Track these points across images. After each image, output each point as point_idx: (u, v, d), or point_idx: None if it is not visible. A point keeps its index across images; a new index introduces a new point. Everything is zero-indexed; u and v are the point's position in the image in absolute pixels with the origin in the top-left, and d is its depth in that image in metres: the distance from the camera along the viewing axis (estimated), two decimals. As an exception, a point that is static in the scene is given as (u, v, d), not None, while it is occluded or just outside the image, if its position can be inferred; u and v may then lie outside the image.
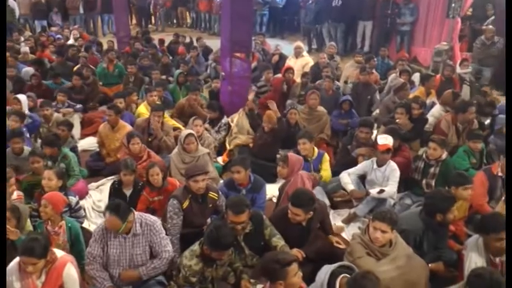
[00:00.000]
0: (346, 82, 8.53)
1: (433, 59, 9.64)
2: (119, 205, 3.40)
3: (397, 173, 4.78)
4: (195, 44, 11.78)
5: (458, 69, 8.28)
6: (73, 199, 4.34)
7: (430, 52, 9.97)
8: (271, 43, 11.68)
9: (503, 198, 4.21)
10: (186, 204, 4.06)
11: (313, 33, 12.89)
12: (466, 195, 4.18)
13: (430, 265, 3.64)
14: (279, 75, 8.27)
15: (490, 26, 9.19)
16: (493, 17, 9.86)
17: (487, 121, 7.02)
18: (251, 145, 6.25)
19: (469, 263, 3.39)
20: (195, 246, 3.44)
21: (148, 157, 5.23)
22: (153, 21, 17.74)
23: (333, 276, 2.96)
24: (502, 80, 8.54)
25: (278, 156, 5.77)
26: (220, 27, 7.76)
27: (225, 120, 6.70)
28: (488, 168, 4.73)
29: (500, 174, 4.59)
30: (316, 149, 5.25)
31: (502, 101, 7.27)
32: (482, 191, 4.54)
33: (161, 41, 12.24)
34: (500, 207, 4.06)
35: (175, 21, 17.73)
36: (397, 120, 5.92)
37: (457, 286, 3.01)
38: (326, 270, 3.01)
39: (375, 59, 9.00)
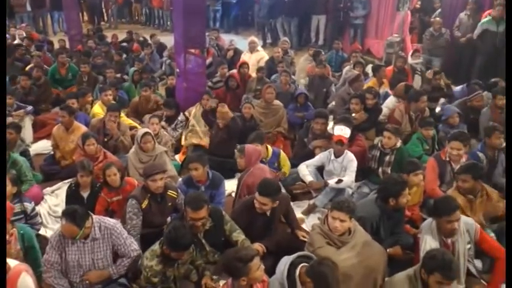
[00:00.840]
0: (303, 78, 8.61)
1: (385, 50, 9.92)
2: (75, 211, 3.29)
3: (354, 163, 4.88)
4: (149, 41, 11.59)
5: (410, 60, 8.54)
6: (28, 205, 4.18)
7: (383, 44, 10.24)
8: (226, 38, 11.65)
9: (454, 183, 4.37)
10: (145, 204, 4.01)
11: (268, 27, 12.95)
12: (418, 181, 4.34)
13: (388, 250, 3.75)
14: (234, 71, 8.27)
15: (438, 18, 9.53)
16: (439, 10, 10.20)
17: (438, 108, 7.29)
18: (205, 145, 6.21)
19: (424, 245, 3.52)
20: (155, 246, 3.40)
21: (104, 158, 5.11)
22: (105, 18, 17.32)
23: (292, 266, 3.01)
24: (450, 68, 8.92)
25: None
26: (173, 24, 7.65)
27: (181, 117, 6.63)
28: (438, 154, 4.92)
29: (448, 159, 4.78)
30: (270, 148, 5.25)
31: (454, 88, 7.53)
32: (433, 176, 4.72)
33: (115, 38, 11.93)
34: (451, 192, 4.22)
35: (128, 18, 17.39)
36: (352, 111, 6.03)
37: (414, 268, 3.10)
38: (285, 261, 3.05)
39: (323, 53, 9.10)
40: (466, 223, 3.63)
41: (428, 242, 3.54)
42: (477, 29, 8.57)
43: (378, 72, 7.62)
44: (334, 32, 11.46)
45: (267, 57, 9.32)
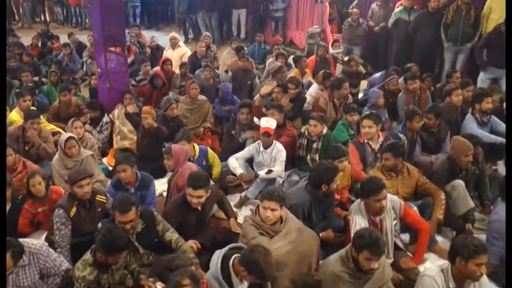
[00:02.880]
0: (226, 71, 8.62)
1: (307, 41, 10.16)
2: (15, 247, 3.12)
3: (283, 152, 4.97)
4: (67, 40, 11.05)
5: (331, 50, 8.82)
6: None
7: (304, 35, 10.49)
8: (147, 35, 11.40)
9: (377, 163, 4.59)
10: (73, 212, 3.86)
11: (189, 23, 12.80)
12: (342, 167, 4.49)
13: (320, 234, 3.86)
14: (158, 68, 8.13)
15: (355, 9, 9.88)
16: (356, 1, 10.60)
17: (361, 95, 7.61)
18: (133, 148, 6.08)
19: (354, 226, 3.66)
20: (87, 255, 3.27)
21: (24, 167, 4.81)
22: (16, 17, 16.24)
23: (226, 258, 3.03)
24: (369, 56, 9.31)
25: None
26: (90, 22, 7.34)
27: (106, 118, 6.41)
28: (356, 139, 5.15)
29: (366, 141, 5.01)
30: (197, 147, 5.21)
31: (373, 75, 7.87)
32: (356, 160, 4.93)
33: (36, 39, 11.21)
34: (374, 172, 4.44)
35: (42, 17, 16.41)
36: (276, 100, 6.13)
37: (345, 248, 3.22)
38: (218, 254, 3.08)
39: (245, 48, 9.17)
40: (392, 200, 3.81)
41: (358, 222, 3.68)
42: (391, 18, 9.00)
43: (299, 62, 7.82)
44: (255, 25, 11.53)
45: (189, 53, 9.24)
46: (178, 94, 7.50)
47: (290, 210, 3.73)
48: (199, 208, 3.89)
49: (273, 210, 3.45)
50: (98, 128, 6.32)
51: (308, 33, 10.07)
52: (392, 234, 3.79)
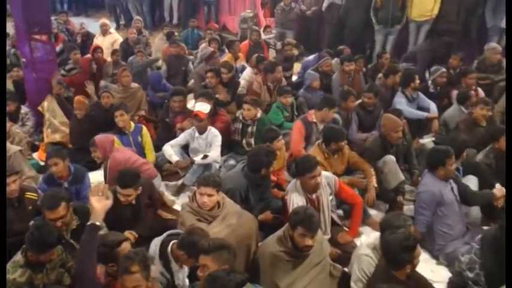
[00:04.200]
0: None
1: (240, 26, 10.13)
2: None
3: (219, 137, 4.96)
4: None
5: (263, 36, 8.85)
6: None
7: (237, 20, 10.44)
8: (76, 22, 10.92)
9: (317, 142, 4.68)
10: (-1, 211, 3.66)
11: (119, 8, 12.39)
12: (280, 146, 4.57)
13: (259, 216, 3.88)
14: (88, 56, 7.83)
15: (286, -7, 9.95)
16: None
17: (295, 78, 7.71)
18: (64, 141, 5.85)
19: (292, 205, 3.72)
20: (17, 256, 3.09)
21: None
22: None
23: (164, 245, 3.00)
24: (302, 39, 9.42)
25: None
26: (11, 7, 6.88)
27: (24, 109, 6.09)
28: (305, 117, 5.20)
29: (314, 120, 5.08)
30: (132, 123, 5.19)
31: (306, 58, 7.96)
32: (299, 138, 4.98)
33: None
34: (312, 151, 4.52)
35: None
36: (209, 85, 6.11)
37: (283, 228, 3.26)
38: (156, 242, 3.04)
39: (176, 34, 9.02)
40: (326, 177, 3.91)
41: (295, 201, 3.75)
42: (324, 2, 9.16)
43: (232, 47, 7.82)
44: (187, 11, 11.38)
45: (121, 40, 8.96)
46: (110, 82, 7.27)
47: (227, 194, 3.73)
48: (133, 202, 3.82)
49: (209, 195, 3.44)
50: (20, 122, 6.00)
51: (241, 18, 10.05)
52: (329, 210, 3.89)
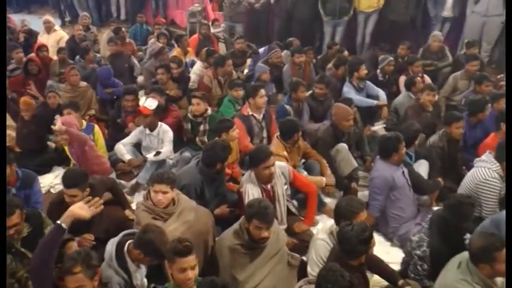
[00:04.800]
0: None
1: (188, 20, 10.00)
2: None
3: (170, 133, 4.88)
4: None
5: (212, 29, 8.79)
6: None
7: (186, 14, 10.31)
8: (17, 19, 10.44)
9: (275, 136, 4.68)
10: None
11: (64, 4, 11.94)
12: (236, 136, 4.57)
13: (215, 211, 3.86)
14: (33, 55, 7.50)
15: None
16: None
17: (245, 71, 7.69)
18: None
19: (247, 197, 3.73)
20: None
21: None
22: None
23: (120, 246, 2.93)
24: (252, 33, 9.41)
25: (48, 143, 5.43)
26: None
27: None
28: (239, 112, 5.21)
29: (251, 113, 5.08)
30: (84, 121, 5.07)
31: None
32: (242, 133, 4.96)
33: None
34: (274, 146, 4.49)
35: None
36: (160, 82, 6.02)
37: (239, 221, 3.26)
38: (112, 242, 2.97)
39: (123, 30, 8.82)
40: (280, 166, 3.93)
41: (251, 192, 3.75)
42: (273, -6, 9.18)
43: (181, 42, 7.74)
44: (135, 5, 11.14)
45: (67, 37, 8.63)
46: (58, 82, 7.00)
47: (182, 190, 3.68)
48: None
49: (164, 192, 3.38)
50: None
51: (189, 12, 9.93)
52: (284, 200, 3.91)
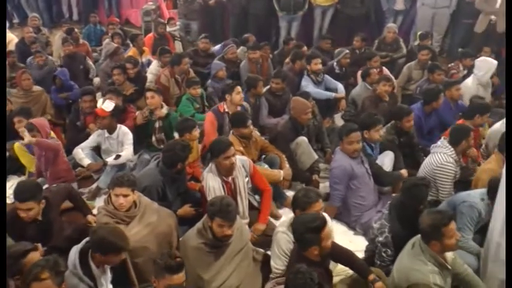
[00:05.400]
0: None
1: (143, 19, 9.83)
2: None
3: (130, 135, 4.81)
4: None
5: (168, 28, 8.69)
6: None
7: (140, 13, 10.13)
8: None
9: (231, 131, 4.68)
10: None
11: (11, 5, 11.47)
12: (196, 136, 4.56)
13: (178, 212, 3.85)
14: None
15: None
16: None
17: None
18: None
19: (209, 191, 3.74)
20: None
21: None
22: None
23: (83, 252, 2.88)
24: (207, 30, 9.33)
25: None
26: None
27: None
28: (216, 108, 5.18)
29: (227, 110, 5.07)
30: None
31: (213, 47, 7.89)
32: (212, 129, 4.97)
33: None
34: (231, 137, 4.49)
35: None
36: (116, 82, 5.91)
37: (202, 220, 3.26)
38: (74, 250, 2.90)
39: (76, 31, 8.60)
40: (241, 159, 3.95)
41: (212, 185, 3.75)
42: (226, -9, 9.15)
43: (136, 41, 7.62)
44: (87, 5, 10.84)
45: (16, 40, 8.32)
46: (9, 87, 6.74)
47: (144, 192, 3.64)
48: (40, 218, 3.49)
49: (125, 196, 3.34)
50: None
51: (143, 11, 9.74)
52: (245, 193, 3.91)
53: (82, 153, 4.76)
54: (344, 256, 3.17)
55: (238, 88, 5.10)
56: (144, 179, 3.81)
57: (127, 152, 4.73)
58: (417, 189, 3.37)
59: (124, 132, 4.81)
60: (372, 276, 3.02)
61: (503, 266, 2.96)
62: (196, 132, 4.51)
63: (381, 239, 3.39)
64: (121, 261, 2.99)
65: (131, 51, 7.43)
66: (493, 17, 7.47)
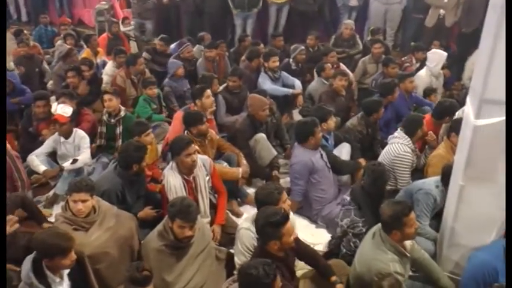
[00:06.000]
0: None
1: (96, 19, 9.61)
2: None
3: (86, 139, 4.70)
4: None
5: (122, 28, 8.54)
6: None
7: (93, 13, 9.90)
8: None
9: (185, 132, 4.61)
10: None
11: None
12: (150, 140, 4.51)
13: (138, 214, 3.78)
14: None
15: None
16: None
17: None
18: None
19: (169, 188, 3.72)
20: None
21: None
22: None
23: (37, 261, 2.80)
24: (163, 29, 9.21)
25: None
26: None
27: None
28: (187, 108, 5.14)
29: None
30: None
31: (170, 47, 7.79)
32: (179, 127, 4.81)
33: None
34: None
35: None
36: (72, 85, 5.77)
37: (162, 222, 3.23)
38: (27, 260, 2.81)
39: (25, 32, 8.33)
40: (202, 158, 3.92)
41: (172, 183, 3.72)
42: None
43: (90, 42, 7.45)
44: (37, 5, 10.47)
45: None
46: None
47: (102, 197, 3.56)
48: None
49: (83, 201, 3.25)
50: None
51: (96, 10, 9.52)
52: (206, 192, 3.90)
53: (37, 160, 4.59)
54: (309, 255, 3.22)
55: (208, 91, 4.99)
56: (102, 183, 3.74)
57: (84, 155, 4.61)
58: (375, 173, 3.54)
59: (80, 136, 4.69)
60: (333, 278, 3.08)
61: (458, 249, 3.18)
62: (147, 137, 4.45)
63: (354, 231, 3.54)
64: (80, 268, 2.93)
65: (85, 53, 7.25)
66: (441, 11, 7.73)
